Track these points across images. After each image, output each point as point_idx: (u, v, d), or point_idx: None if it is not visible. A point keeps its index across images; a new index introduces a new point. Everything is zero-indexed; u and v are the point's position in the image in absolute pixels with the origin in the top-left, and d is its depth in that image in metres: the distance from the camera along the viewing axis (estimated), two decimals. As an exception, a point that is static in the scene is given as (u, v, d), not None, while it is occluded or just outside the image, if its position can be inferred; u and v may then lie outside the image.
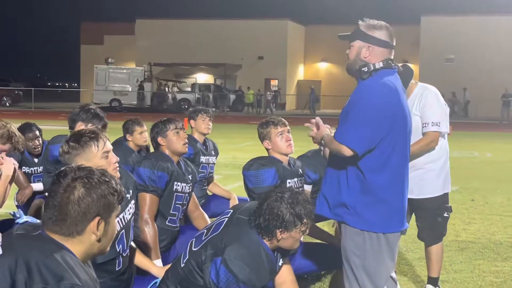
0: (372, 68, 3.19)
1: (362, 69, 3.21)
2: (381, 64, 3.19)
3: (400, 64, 4.19)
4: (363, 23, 3.27)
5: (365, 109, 3.09)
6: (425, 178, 4.50)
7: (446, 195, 4.63)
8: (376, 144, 3.12)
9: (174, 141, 4.22)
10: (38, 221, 3.77)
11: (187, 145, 4.32)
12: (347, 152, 3.10)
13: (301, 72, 50.71)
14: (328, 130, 3.38)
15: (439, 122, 4.41)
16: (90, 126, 4.37)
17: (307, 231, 3.00)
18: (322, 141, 3.35)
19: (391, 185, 3.20)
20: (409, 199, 4.53)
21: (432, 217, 4.59)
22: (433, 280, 4.74)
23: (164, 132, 4.23)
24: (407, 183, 3.33)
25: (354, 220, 3.22)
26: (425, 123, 4.42)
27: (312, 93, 40.45)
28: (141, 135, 5.61)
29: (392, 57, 3.26)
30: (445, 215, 4.60)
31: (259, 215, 2.92)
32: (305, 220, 2.91)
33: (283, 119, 4.32)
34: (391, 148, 3.16)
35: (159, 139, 4.24)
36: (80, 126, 4.45)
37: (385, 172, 3.17)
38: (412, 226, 4.16)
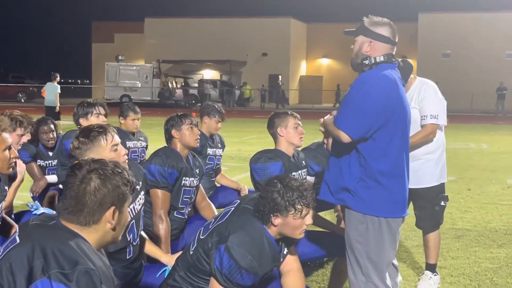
0: (373, 61, 3.24)
1: (364, 61, 3.26)
2: (382, 58, 3.24)
3: (399, 59, 4.03)
4: (367, 20, 3.31)
5: (364, 98, 3.12)
6: (423, 168, 4.56)
7: (442, 185, 4.71)
8: (373, 132, 3.15)
9: (187, 135, 4.27)
10: (54, 212, 3.86)
11: (198, 140, 4.36)
12: (345, 137, 3.14)
13: (303, 68, 50.60)
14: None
15: (437, 115, 4.49)
16: (89, 117, 4.59)
17: (309, 219, 2.94)
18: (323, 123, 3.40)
19: (391, 172, 3.22)
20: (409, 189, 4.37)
21: (430, 206, 4.66)
22: (431, 266, 4.81)
23: (179, 126, 4.28)
24: (408, 171, 3.34)
25: (357, 204, 3.23)
26: (424, 116, 4.49)
27: (279, 87, 40.84)
28: (133, 122, 5.64)
29: (393, 53, 3.29)
30: (442, 204, 4.69)
31: (258, 201, 2.95)
32: (298, 206, 2.87)
33: (297, 114, 4.36)
34: (390, 137, 3.19)
35: (173, 132, 4.28)
36: (83, 122, 4.59)
37: (385, 159, 3.19)
38: (410, 214, 4.15)
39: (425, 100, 4.53)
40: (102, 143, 3.11)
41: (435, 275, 4.82)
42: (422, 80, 4.66)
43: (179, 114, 4.40)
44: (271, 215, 2.89)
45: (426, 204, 4.68)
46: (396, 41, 3.30)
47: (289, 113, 4.32)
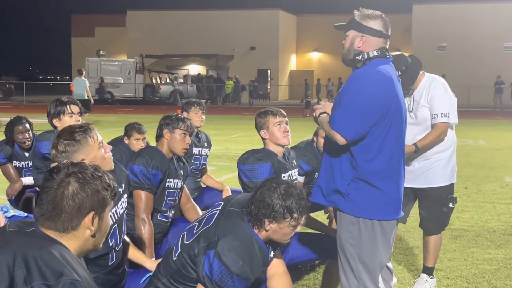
0: (366, 56, 3.21)
1: (356, 57, 3.23)
2: (375, 53, 3.20)
3: (407, 55, 4.41)
4: (358, 13, 3.28)
5: (358, 97, 3.10)
6: (433, 167, 4.55)
7: (452, 185, 4.66)
8: (367, 131, 3.13)
9: (178, 141, 4.20)
10: (26, 214, 3.84)
11: (186, 150, 4.30)
12: (340, 140, 3.11)
13: (293, 62, 50.65)
14: (329, 109, 3.34)
15: (448, 113, 4.46)
16: (62, 117, 4.47)
17: (299, 227, 2.97)
18: (318, 119, 3.34)
19: (384, 173, 3.20)
20: (415, 188, 4.61)
21: (438, 207, 4.62)
22: (428, 270, 4.76)
23: (173, 128, 4.21)
24: (403, 172, 3.33)
25: (349, 207, 3.22)
26: (435, 115, 4.47)
27: (237, 82, 40.61)
28: (137, 142, 5.49)
29: (387, 47, 3.26)
30: (450, 205, 4.64)
31: (252, 203, 2.91)
32: (295, 215, 2.88)
33: (281, 110, 4.27)
34: (384, 136, 3.16)
35: (165, 131, 4.22)
36: (56, 122, 4.48)
37: (378, 159, 3.17)
38: (408, 214, 4.25)
39: (435, 98, 4.49)
40: (90, 142, 3.07)
41: (431, 278, 4.78)
42: (431, 76, 4.62)
43: (178, 115, 4.34)
44: (266, 219, 2.89)
45: (433, 204, 4.65)
46: (389, 34, 3.28)
47: (270, 112, 4.22)
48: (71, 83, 20.24)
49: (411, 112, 4.58)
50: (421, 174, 4.53)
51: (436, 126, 4.47)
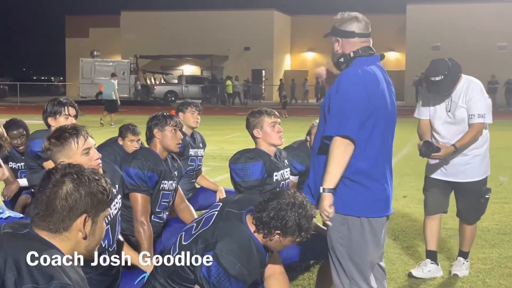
0: (348, 58, 3.30)
1: (339, 60, 3.34)
2: (355, 53, 3.29)
3: (446, 58, 4.71)
4: (336, 18, 3.39)
5: (346, 97, 3.14)
6: (471, 163, 4.89)
7: (486, 178, 5.03)
8: (362, 126, 3.18)
9: (170, 137, 4.19)
10: (22, 215, 3.86)
11: (179, 145, 4.30)
12: (343, 142, 3.13)
13: (287, 62, 50.43)
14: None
15: (484, 114, 4.73)
16: (58, 117, 4.45)
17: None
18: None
19: (371, 171, 3.23)
20: (452, 182, 4.95)
21: (476, 199, 4.97)
22: (464, 254, 5.15)
23: (162, 126, 4.20)
24: (390, 169, 3.38)
25: (337, 205, 3.22)
26: (471, 115, 4.75)
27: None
28: (131, 143, 5.47)
29: (369, 45, 3.33)
30: (487, 196, 5.00)
31: (264, 210, 2.89)
32: (303, 234, 2.92)
33: (274, 111, 4.29)
34: (369, 133, 3.19)
35: (155, 131, 4.20)
36: (51, 121, 4.46)
37: (364, 157, 3.20)
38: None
39: (473, 99, 4.72)
40: (72, 147, 3.05)
41: (467, 261, 5.14)
42: (468, 78, 4.82)
43: (164, 113, 4.33)
44: (276, 231, 2.87)
45: (472, 197, 4.93)
46: (367, 32, 3.33)
47: (265, 111, 4.23)
48: (101, 84, 22.40)
49: (449, 112, 4.83)
50: (459, 169, 4.86)
51: (473, 126, 4.75)
